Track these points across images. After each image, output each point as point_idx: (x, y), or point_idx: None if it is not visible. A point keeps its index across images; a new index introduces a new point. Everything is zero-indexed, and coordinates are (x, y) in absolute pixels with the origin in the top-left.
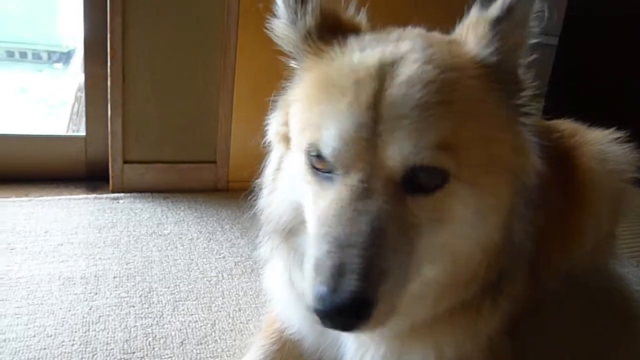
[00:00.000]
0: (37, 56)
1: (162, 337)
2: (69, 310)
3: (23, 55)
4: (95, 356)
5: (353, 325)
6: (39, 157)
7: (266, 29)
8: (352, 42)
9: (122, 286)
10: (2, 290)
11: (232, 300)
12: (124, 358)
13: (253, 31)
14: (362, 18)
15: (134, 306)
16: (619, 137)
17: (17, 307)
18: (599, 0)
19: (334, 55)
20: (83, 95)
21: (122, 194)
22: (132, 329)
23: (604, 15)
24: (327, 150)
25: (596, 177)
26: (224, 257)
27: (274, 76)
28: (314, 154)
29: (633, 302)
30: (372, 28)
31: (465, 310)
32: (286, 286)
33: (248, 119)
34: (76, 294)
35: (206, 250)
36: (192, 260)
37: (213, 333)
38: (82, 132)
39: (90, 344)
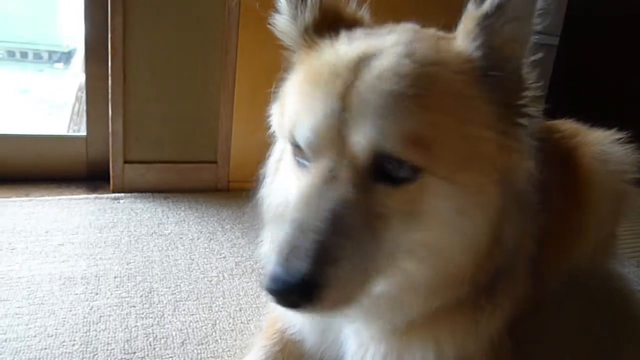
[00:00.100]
0: (38, 56)
1: (163, 337)
2: (70, 310)
3: (24, 55)
4: (96, 356)
5: (298, 305)
6: (40, 157)
7: (267, 27)
8: (343, 36)
9: (122, 286)
10: (3, 290)
11: (233, 301)
12: (124, 358)
13: (254, 31)
14: (364, 13)
15: (134, 306)
16: (620, 138)
17: (18, 307)
18: (599, 0)
19: (324, 48)
20: (84, 95)
21: (122, 194)
22: (133, 329)
23: (604, 15)
24: (301, 139)
25: (597, 178)
26: (224, 257)
27: (274, 76)
28: (294, 143)
29: (633, 302)
30: (374, 23)
31: (463, 309)
32: None
33: (249, 119)
34: (77, 294)
35: (207, 250)
36: (193, 260)
37: (214, 333)
38: (83, 132)
39: (91, 344)
